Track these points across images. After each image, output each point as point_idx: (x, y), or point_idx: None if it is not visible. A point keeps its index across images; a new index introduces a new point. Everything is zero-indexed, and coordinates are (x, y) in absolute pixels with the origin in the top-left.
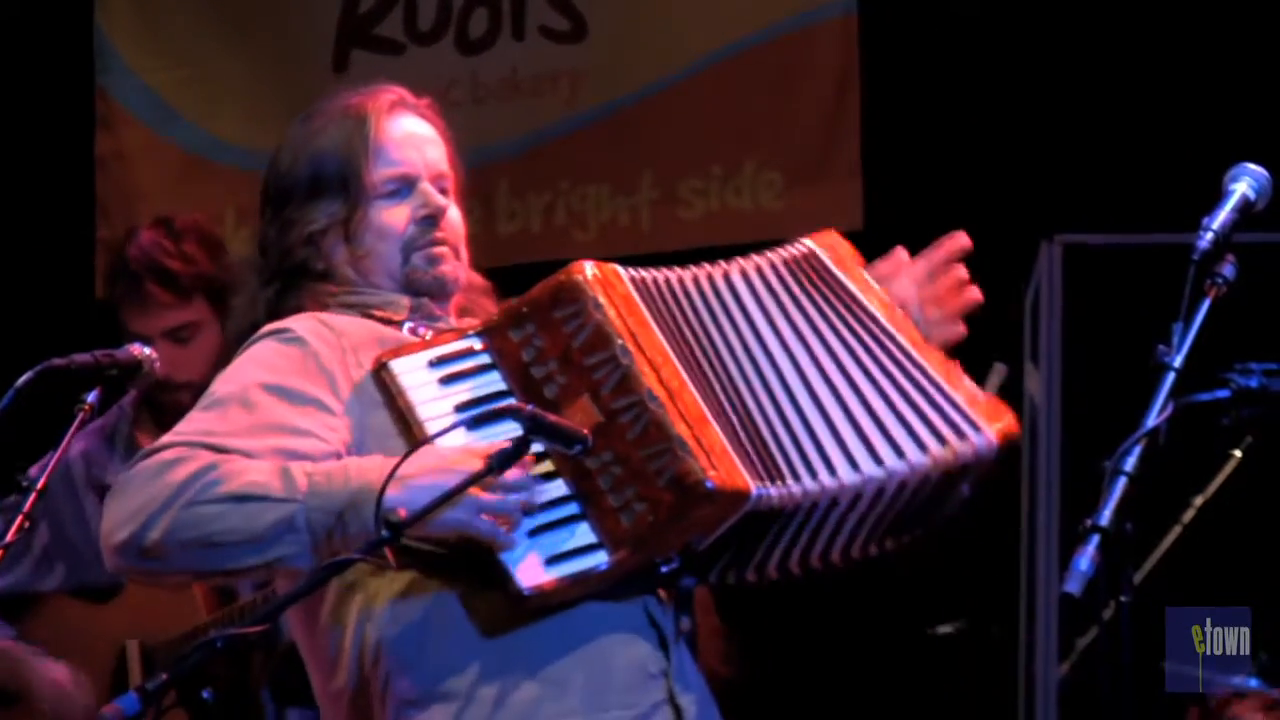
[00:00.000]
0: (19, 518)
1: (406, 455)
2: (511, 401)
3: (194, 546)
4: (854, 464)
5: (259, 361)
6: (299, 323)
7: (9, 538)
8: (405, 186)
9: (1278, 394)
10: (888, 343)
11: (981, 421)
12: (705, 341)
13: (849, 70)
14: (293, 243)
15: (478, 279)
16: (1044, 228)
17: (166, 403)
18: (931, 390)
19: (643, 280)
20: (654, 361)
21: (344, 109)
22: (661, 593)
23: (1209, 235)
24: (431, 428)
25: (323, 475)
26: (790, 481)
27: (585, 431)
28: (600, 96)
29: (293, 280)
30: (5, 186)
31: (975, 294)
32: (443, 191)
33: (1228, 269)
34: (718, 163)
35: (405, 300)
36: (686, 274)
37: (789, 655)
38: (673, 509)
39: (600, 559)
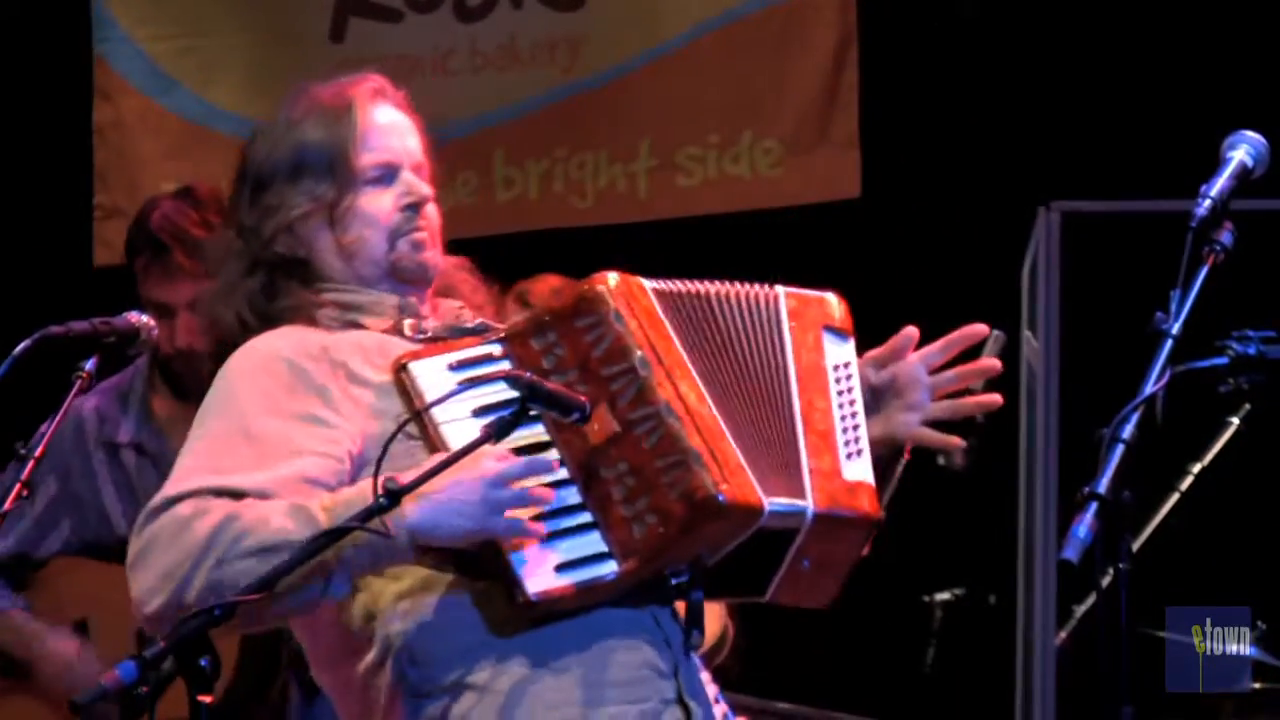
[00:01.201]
0: (16, 487)
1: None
2: (509, 367)
3: None
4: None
5: (250, 384)
6: (283, 340)
7: (7, 506)
8: (389, 173)
9: (1275, 361)
10: (777, 403)
11: (814, 492)
12: (728, 357)
13: (847, 38)
14: (274, 230)
15: (455, 258)
16: (1041, 195)
17: (184, 373)
18: (795, 447)
19: (668, 293)
20: (673, 374)
21: (327, 95)
22: (675, 605)
23: (1207, 202)
24: (447, 430)
25: (342, 506)
26: (786, 495)
27: (583, 399)
28: (598, 64)
29: (275, 271)
30: (4, 156)
31: (991, 399)
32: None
33: (1225, 236)
34: (716, 131)
35: (392, 299)
36: (714, 287)
37: (785, 622)
38: (684, 522)
39: (609, 568)
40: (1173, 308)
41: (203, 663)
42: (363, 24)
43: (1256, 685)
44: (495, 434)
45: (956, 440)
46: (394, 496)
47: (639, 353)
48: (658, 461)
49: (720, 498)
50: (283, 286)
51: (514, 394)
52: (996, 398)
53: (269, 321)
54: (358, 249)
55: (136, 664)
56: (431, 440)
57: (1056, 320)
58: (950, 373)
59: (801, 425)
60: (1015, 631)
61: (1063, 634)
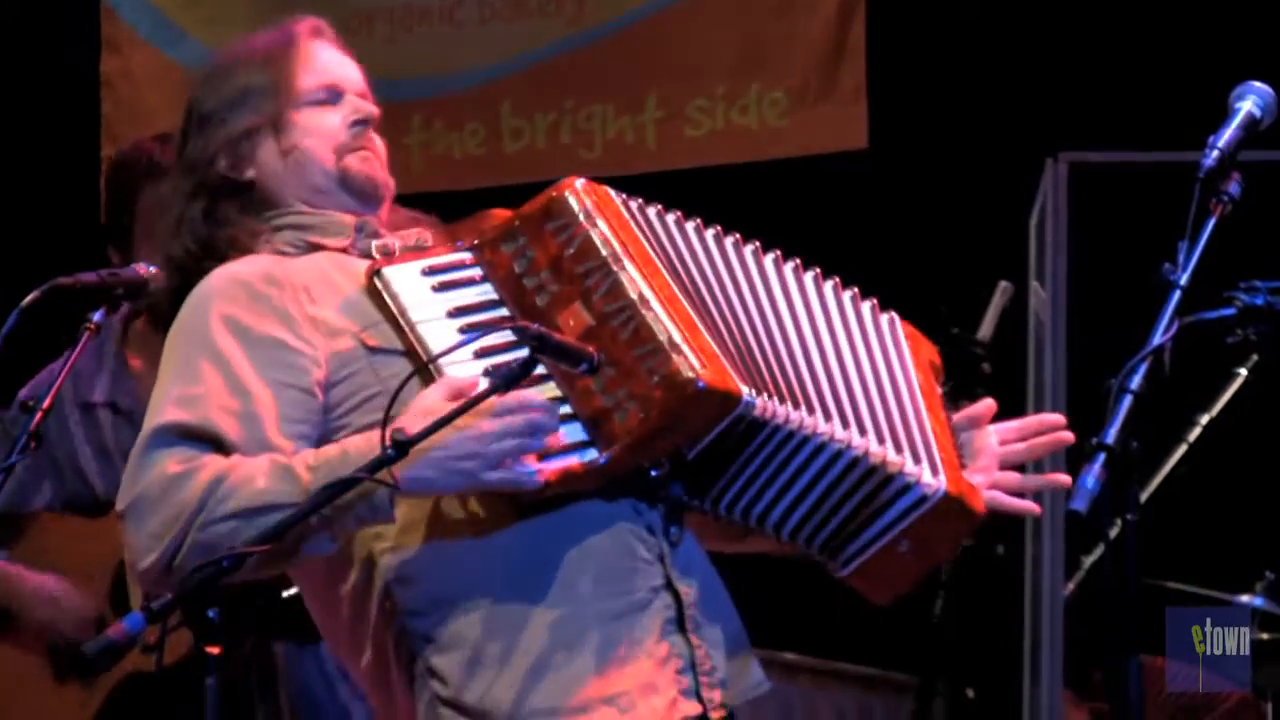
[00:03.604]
0: (25, 438)
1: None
2: (515, 319)
3: None
4: (838, 418)
5: (215, 311)
6: (244, 265)
7: (18, 450)
8: (334, 95)
9: None
10: (909, 383)
11: (946, 472)
12: (701, 267)
13: None
14: (217, 148)
15: (421, 214)
16: (1049, 146)
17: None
18: (923, 427)
19: (636, 204)
20: (645, 271)
21: (268, 35)
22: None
23: (1215, 153)
24: (425, 330)
25: (325, 466)
26: (777, 400)
27: (591, 350)
28: (605, 15)
29: (220, 196)
30: (11, 108)
31: (1060, 480)
32: None
33: (1233, 187)
34: (723, 82)
35: (348, 218)
36: (693, 222)
37: (792, 572)
38: (665, 406)
39: (592, 456)
40: (1180, 259)
41: (210, 614)
42: None
43: (1264, 636)
44: (501, 385)
45: (1031, 506)
46: (401, 448)
47: (611, 249)
48: (635, 351)
49: (700, 383)
50: (226, 213)
51: (487, 298)
52: (1065, 479)
53: (212, 249)
54: (303, 160)
55: (144, 615)
56: (410, 344)
57: (1064, 271)
58: (1022, 445)
59: (929, 418)
60: (1023, 582)
61: (1071, 584)
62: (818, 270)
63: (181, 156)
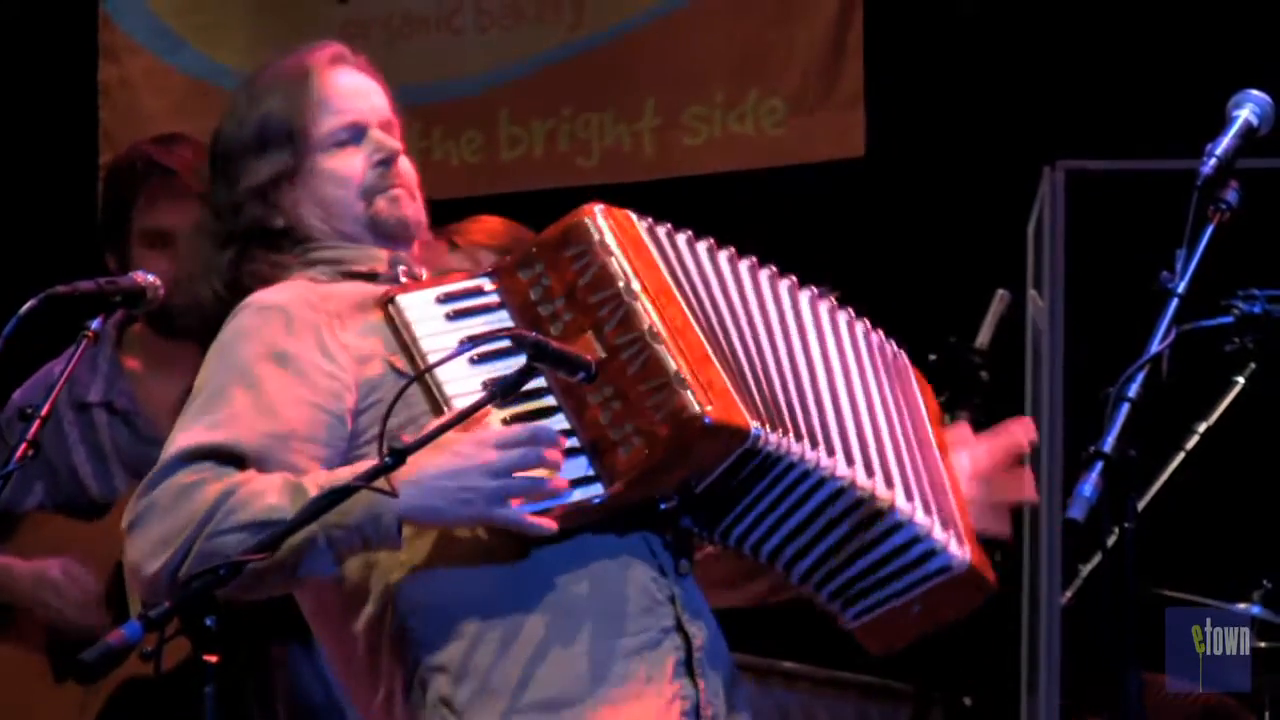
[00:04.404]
0: (23, 444)
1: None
2: (514, 328)
3: None
4: (863, 465)
5: (248, 335)
6: (280, 292)
7: (15, 458)
8: (356, 135)
9: None
10: (925, 442)
11: (968, 543)
12: (729, 297)
13: None
14: (244, 198)
15: (436, 239)
16: (1046, 153)
17: (188, 307)
18: (947, 491)
19: (656, 228)
20: (658, 301)
21: (285, 68)
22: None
23: (1212, 161)
24: (435, 359)
25: (334, 486)
26: (793, 438)
27: (589, 358)
28: (603, 22)
29: (251, 242)
30: (10, 116)
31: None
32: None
33: (1231, 195)
34: (721, 89)
35: (382, 253)
36: (721, 251)
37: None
38: (669, 443)
39: (596, 491)
40: (1178, 266)
41: (208, 621)
42: None
43: (1262, 644)
44: (499, 393)
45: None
46: (399, 455)
47: (624, 280)
48: (642, 385)
49: (706, 419)
50: (257, 255)
51: (501, 325)
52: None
53: (243, 292)
54: (332, 209)
55: (142, 623)
56: (419, 367)
57: (1062, 279)
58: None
59: (949, 481)
60: (1021, 590)
61: (1068, 593)
62: (850, 311)
63: (209, 194)
